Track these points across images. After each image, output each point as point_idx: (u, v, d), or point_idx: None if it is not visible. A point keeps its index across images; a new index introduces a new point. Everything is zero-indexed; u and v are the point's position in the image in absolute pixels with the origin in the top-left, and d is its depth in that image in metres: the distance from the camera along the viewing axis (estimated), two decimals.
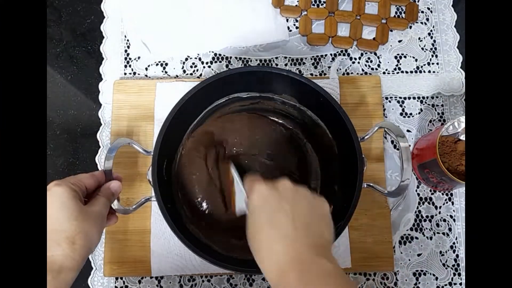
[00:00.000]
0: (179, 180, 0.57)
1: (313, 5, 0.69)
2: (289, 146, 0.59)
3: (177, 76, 0.66)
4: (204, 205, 0.57)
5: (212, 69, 0.67)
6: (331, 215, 0.41)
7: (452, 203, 0.62)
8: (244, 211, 0.44)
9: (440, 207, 0.62)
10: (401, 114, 0.65)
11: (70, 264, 0.40)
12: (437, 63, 0.66)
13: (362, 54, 0.67)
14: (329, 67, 0.66)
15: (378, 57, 0.67)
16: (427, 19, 0.68)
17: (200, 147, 0.58)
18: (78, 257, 0.41)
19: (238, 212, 0.48)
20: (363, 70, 0.66)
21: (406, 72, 0.66)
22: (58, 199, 0.41)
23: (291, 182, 0.42)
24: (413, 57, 0.67)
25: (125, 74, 0.66)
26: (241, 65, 0.67)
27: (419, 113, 0.65)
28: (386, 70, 0.66)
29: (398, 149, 0.63)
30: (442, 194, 0.62)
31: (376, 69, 0.66)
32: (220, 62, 0.67)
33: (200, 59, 0.67)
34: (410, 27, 0.68)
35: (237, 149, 0.59)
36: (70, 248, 0.40)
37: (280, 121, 0.60)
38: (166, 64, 0.67)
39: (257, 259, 0.39)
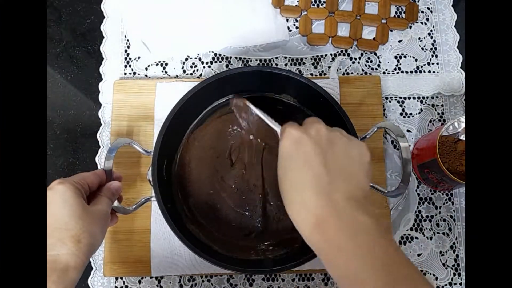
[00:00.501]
0: (179, 179, 0.57)
1: (313, 5, 0.69)
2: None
3: (177, 76, 0.66)
4: (205, 204, 0.57)
5: (212, 69, 0.67)
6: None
7: (452, 203, 0.62)
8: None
9: (440, 207, 0.62)
10: (401, 114, 0.65)
11: (76, 263, 0.40)
12: (437, 63, 0.66)
13: (362, 54, 0.67)
14: (329, 67, 0.66)
15: (378, 57, 0.67)
16: (427, 19, 0.68)
17: (203, 145, 0.58)
18: (83, 256, 0.40)
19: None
20: (363, 70, 0.66)
21: (406, 72, 0.66)
22: (61, 198, 0.41)
23: (325, 126, 0.39)
24: (413, 57, 0.67)
25: (125, 74, 0.66)
26: (241, 65, 0.67)
27: (419, 113, 0.65)
28: (386, 70, 0.66)
29: (398, 149, 0.63)
30: (442, 194, 0.62)
31: (376, 69, 0.66)
32: (220, 62, 0.67)
33: (200, 59, 0.67)
34: (410, 27, 0.68)
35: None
36: (75, 247, 0.40)
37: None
38: (166, 64, 0.67)
39: (289, 211, 0.37)
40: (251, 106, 0.50)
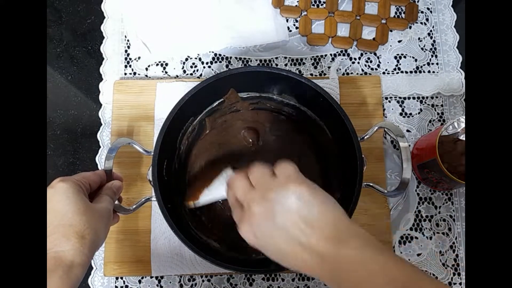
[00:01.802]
0: (180, 179, 0.57)
1: (313, 5, 0.69)
2: (289, 146, 0.59)
3: (177, 76, 0.66)
4: (205, 204, 0.58)
5: (212, 69, 0.67)
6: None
7: (452, 203, 0.62)
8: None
9: (440, 207, 0.62)
10: (401, 114, 0.65)
11: (81, 259, 0.40)
12: (437, 63, 0.66)
13: (362, 54, 0.67)
14: (329, 67, 0.66)
15: (378, 57, 0.67)
16: (427, 19, 0.68)
17: (203, 145, 0.59)
18: (87, 252, 0.40)
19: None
20: (363, 70, 0.66)
21: (406, 72, 0.66)
22: (64, 195, 0.41)
23: (275, 189, 0.38)
24: (413, 57, 0.67)
25: (125, 74, 0.66)
26: (241, 65, 0.67)
27: (419, 113, 0.65)
28: (386, 70, 0.66)
29: (398, 149, 0.63)
30: (442, 194, 0.62)
31: (376, 69, 0.66)
32: (220, 62, 0.67)
33: (200, 59, 0.67)
34: (410, 27, 0.68)
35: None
36: (80, 243, 0.40)
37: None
38: (166, 64, 0.67)
39: (282, 260, 0.38)
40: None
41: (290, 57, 0.67)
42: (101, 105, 0.65)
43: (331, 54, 0.67)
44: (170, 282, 0.59)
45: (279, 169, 0.40)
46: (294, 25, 0.68)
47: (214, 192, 0.49)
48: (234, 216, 0.42)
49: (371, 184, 0.52)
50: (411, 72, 0.66)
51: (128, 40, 0.67)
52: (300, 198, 0.37)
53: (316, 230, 0.36)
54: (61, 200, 0.41)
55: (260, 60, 0.67)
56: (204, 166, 0.59)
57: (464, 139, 0.56)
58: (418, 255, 0.60)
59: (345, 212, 0.38)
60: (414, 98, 0.65)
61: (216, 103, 0.58)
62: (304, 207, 0.37)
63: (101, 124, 0.64)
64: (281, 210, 0.37)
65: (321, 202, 0.38)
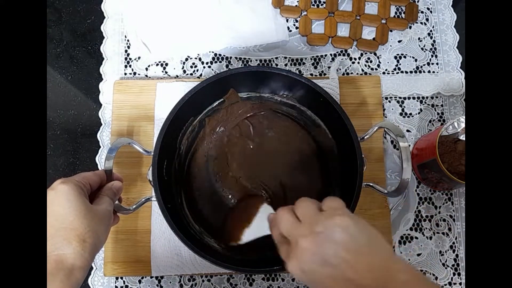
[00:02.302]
0: (180, 179, 0.57)
1: (313, 5, 0.69)
2: (289, 146, 0.59)
3: (177, 76, 0.66)
4: (205, 204, 0.58)
5: (212, 69, 0.67)
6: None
7: (452, 203, 0.62)
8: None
9: (439, 207, 0.62)
10: (401, 114, 0.65)
11: (81, 262, 0.40)
12: (437, 63, 0.66)
13: (362, 54, 0.67)
14: (329, 67, 0.66)
15: (378, 57, 0.67)
16: (427, 19, 0.68)
17: (203, 145, 0.59)
18: (88, 255, 0.40)
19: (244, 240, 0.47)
20: (363, 70, 0.66)
21: (406, 72, 0.66)
22: (65, 197, 0.41)
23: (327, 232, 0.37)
24: (413, 57, 0.67)
25: (125, 74, 0.66)
26: (241, 65, 0.67)
27: (419, 113, 0.65)
28: (386, 70, 0.66)
29: (398, 149, 0.63)
30: (442, 194, 0.62)
31: (376, 69, 0.66)
32: (220, 62, 0.67)
33: (200, 59, 0.67)
34: (410, 27, 0.68)
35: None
36: (81, 246, 0.40)
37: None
38: (166, 64, 0.67)
39: None
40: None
41: (290, 57, 0.67)
42: (101, 105, 0.65)
43: (331, 54, 0.67)
44: (170, 282, 0.59)
45: (327, 203, 0.39)
46: (294, 25, 0.68)
47: (256, 231, 0.48)
48: (280, 252, 0.41)
49: (371, 184, 0.52)
50: (411, 72, 0.66)
51: (128, 40, 0.67)
52: (346, 231, 0.36)
53: (362, 264, 0.35)
54: (62, 203, 0.41)
55: (260, 60, 0.67)
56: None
57: (464, 139, 0.56)
58: (418, 255, 0.60)
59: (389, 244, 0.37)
60: (414, 98, 0.65)
61: (216, 103, 0.58)
62: (350, 240, 0.36)
63: (101, 124, 0.64)
64: (328, 244, 0.36)
65: (368, 235, 0.37)
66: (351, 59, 0.67)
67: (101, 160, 0.63)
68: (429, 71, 0.66)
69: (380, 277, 0.34)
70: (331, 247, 0.36)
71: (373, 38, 0.67)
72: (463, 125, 0.55)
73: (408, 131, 0.64)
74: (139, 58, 0.67)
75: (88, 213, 0.42)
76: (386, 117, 0.65)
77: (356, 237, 0.36)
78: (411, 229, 0.61)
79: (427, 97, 0.65)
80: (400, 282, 0.34)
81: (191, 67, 0.67)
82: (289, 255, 0.38)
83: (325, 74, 0.66)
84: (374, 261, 0.35)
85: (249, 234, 0.49)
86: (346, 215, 0.37)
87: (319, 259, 0.36)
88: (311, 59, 0.67)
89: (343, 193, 0.52)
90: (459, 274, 0.60)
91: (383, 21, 0.68)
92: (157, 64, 0.67)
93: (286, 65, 0.67)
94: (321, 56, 0.67)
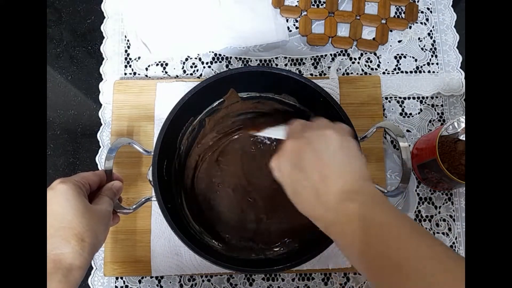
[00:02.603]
0: (179, 179, 0.57)
1: (313, 5, 0.69)
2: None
3: (177, 76, 0.66)
4: (205, 204, 0.58)
5: (212, 69, 0.67)
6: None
7: (452, 203, 0.62)
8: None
9: (439, 207, 0.62)
10: (401, 114, 0.65)
11: (80, 262, 0.40)
12: (437, 63, 0.66)
13: (362, 54, 0.67)
14: (329, 67, 0.66)
15: (378, 57, 0.67)
16: (427, 19, 0.68)
17: (203, 145, 0.59)
18: (87, 255, 0.40)
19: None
20: (363, 70, 0.66)
21: (406, 72, 0.66)
22: (64, 197, 0.41)
23: (326, 122, 0.42)
24: (413, 57, 0.67)
25: (125, 74, 0.66)
26: (241, 65, 0.67)
27: (419, 113, 0.65)
28: (386, 70, 0.66)
29: (398, 149, 0.63)
30: (442, 194, 0.62)
31: (376, 69, 0.66)
32: (220, 62, 0.67)
33: (200, 59, 0.67)
34: (410, 27, 0.68)
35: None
36: (79, 246, 0.40)
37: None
38: (166, 64, 0.67)
39: (301, 211, 0.40)
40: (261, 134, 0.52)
41: (290, 57, 0.67)
42: (101, 105, 0.65)
43: (331, 54, 0.67)
44: (170, 282, 0.59)
45: (319, 120, 0.43)
46: (294, 25, 0.68)
47: (274, 131, 0.50)
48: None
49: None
50: (411, 72, 0.66)
51: (128, 40, 0.67)
52: (329, 143, 0.39)
53: (331, 180, 0.38)
54: (61, 202, 0.41)
55: (260, 60, 0.67)
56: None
57: (464, 139, 0.56)
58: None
59: (366, 168, 0.40)
60: (414, 98, 0.65)
61: (216, 103, 0.58)
62: (328, 152, 0.39)
63: (101, 124, 0.64)
64: (307, 149, 0.39)
65: (346, 154, 0.39)
66: (351, 59, 0.67)
67: (101, 160, 0.63)
68: (429, 71, 0.66)
69: (342, 197, 0.37)
70: (308, 152, 0.39)
71: (373, 38, 0.67)
72: (463, 125, 0.55)
73: (408, 131, 0.64)
74: (139, 58, 0.67)
75: (87, 213, 0.42)
76: (386, 117, 0.65)
77: (335, 152, 0.39)
78: None
79: (427, 97, 0.65)
80: (355, 202, 0.37)
81: (191, 67, 0.67)
82: (276, 153, 0.42)
83: (325, 74, 0.66)
84: (342, 180, 0.38)
85: (268, 130, 0.51)
86: (336, 131, 0.40)
87: (294, 160, 0.40)
88: (311, 59, 0.67)
89: None
90: None
91: (383, 21, 0.68)
92: (157, 64, 0.67)
93: (286, 65, 0.67)
94: (321, 56, 0.67)
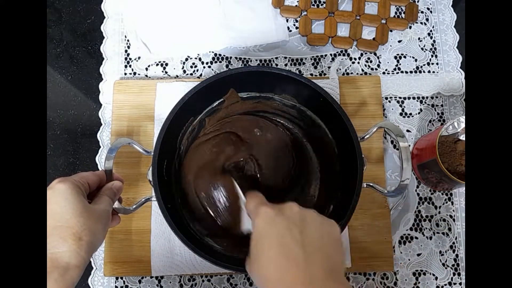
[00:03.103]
0: (180, 179, 0.57)
1: (313, 5, 0.69)
2: (288, 146, 0.59)
3: (177, 76, 0.66)
4: (205, 204, 0.58)
5: (212, 69, 0.67)
6: (340, 235, 0.40)
7: (452, 203, 0.62)
8: (250, 231, 0.43)
9: (439, 207, 0.62)
10: (401, 114, 0.65)
11: (77, 261, 0.39)
12: (437, 63, 0.66)
13: (362, 54, 0.67)
14: (329, 67, 0.66)
15: (378, 57, 0.67)
16: (427, 19, 0.68)
17: (203, 145, 0.58)
18: (84, 254, 0.40)
19: (246, 231, 0.48)
20: (363, 70, 0.66)
21: (406, 72, 0.66)
22: (62, 196, 0.41)
23: (298, 205, 0.41)
24: (413, 57, 0.67)
25: (125, 74, 0.66)
26: (241, 65, 0.67)
27: (419, 113, 0.65)
28: (386, 70, 0.66)
29: (398, 149, 0.63)
30: (442, 194, 0.62)
31: (376, 69, 0.66)
32: (220, 62, 0.67)
33: (200, 59, 0.67)
34: (410, 27, 0.68)
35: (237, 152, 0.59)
36: (76, 244, 0.40)
37: (280, 122, 0.60)
38: (166, 64, 0.67)
39: (262, 283, 0.38)
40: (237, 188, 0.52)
41: (290, 57, 0.67)
42: (101, 105, 0.65)
43: (331, 54, 0.67)
44: (170, 282, 0.59)
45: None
46: (294, 25, 0.68)
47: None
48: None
49: (371, 184, 0.52)
50: (411, 72, 0.66)
51: (128, 40, 0.67)
52: (310, 221, 0.39)
53: (317, 258, 0.37)
54: (59, 202, 0.41)
55: (260, 60, 0.67)
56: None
57: (464, 139, 0.56)
58: (418, 255, 0.60)
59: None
60: (414, 98, 0.65)
61: (216, 103, 0.58)
62: (309, 229, 0.38)
63: (101, 124, 0.64)
64: (288, 218, 0.39)
65: (329, 242, 0.39)
66: (351, 59, 0.67)
67: (101, 160, 0.63)
68: (429, 71, 0.66)
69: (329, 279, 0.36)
70: (290, 221, 0.38)
71: (373, 38, 0.67)
72: (463, 125, 0.55)
73: (408, 131, 0.64)
74: (139, 58, 0.67)
75: (85, 212, 0.42)
76: (386, 117, 0.65)
77: (312, 233, 0.38)
78: (411, 229, 0.61)
79: (427, 97, 0.65)
80: None
81: (191, 67, 0.67)
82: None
83: (325, 74, 0.66)
84: (325, 263, 0.37)
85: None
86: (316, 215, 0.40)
87: (272, 218, 0.39)
88: (311, 59, 0.67)
89: (343, 193, 0.52)
90: (459, 274, 0.60)
91: (383, 21, 0.68)
92: (157, 64, 0.67)
93: (286, 65, 0.67)
94: (321, 56, 0.67)
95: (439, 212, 0.61)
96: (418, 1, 0.69)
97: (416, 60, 0.67)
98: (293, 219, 0.39)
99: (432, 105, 0.65)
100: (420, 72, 0.66)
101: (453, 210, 0.62)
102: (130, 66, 0.67)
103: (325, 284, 0.35)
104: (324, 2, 0.69)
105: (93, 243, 0.42)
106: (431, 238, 0.61)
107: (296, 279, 0.35)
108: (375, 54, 0.67)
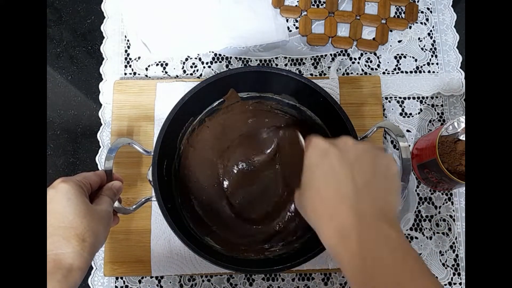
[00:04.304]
0: (180, 179, 0.57)
1: (313, 5, 0.69)
2: (288, 146, 0.59)
3: (177, 76, 0.66)
4: (205, 204, 0.58)
5: (212, 69, 0.67)
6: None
7: (452, 203, 0.62)
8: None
9: (439, 207, 0.62)
10: (401, 114, 0.65)
11: (80, 262, 0.39)
12: (437, 63, 0.66)
13: (362, 54, 0.67)
14: (329, 67, 0.66)
15: (378, 57, 0.67)
16: (427, 19, 0.68)
17: (203, 145, 0.58)
18: (87, 255, 0.40)
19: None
20: (363, 70, 0.66)
21: (406, 72, 0.66)
22: (65, 196, 0.41)
23: (352, 138, 0.39)
24: (413, 57, 0.67)
25: (125, 74, 0.66)
26: (241, 65, 0.67)
27: (419, 113, 0.65)
28: (386, 70, 0.66)
29: (398, 149, 0.63)
30: (442, 194, 0.62)
31: (376, 69, 0.66)
32: (220, 62, 0.67)
33: (200, 59, 0.67)
34: (410, 27, 0.68)
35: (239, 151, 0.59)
36: (80, 246, 0.39)
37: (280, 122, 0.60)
38: (166, 64, 0.67)
39: (312, 221, 0.37)
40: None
41: (290, 57, 0.67)
42: (101, 105, 0.65)
43: (331, 54, 0.67)
44: (170, 282, 0.59)
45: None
46: (294, 25, 0.68)
47: None
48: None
49: None
50: (411, 72, 0.66)
51: (128, 40, 0.67)
52: (367, 155, 0.38)
53: (368, 194, 0.35)
54: (62, 202, 0.41)
55: (260, 60, 0.67)
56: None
57: (464, 139, 0.56)
58: (418, 255, 0.60)
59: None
60: (414, 98, 0.65)
61: (216, 103, 0.58)
62: (363, 163, 0.37)
63: (101, 124, 0.64)
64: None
65: (385, 176, 0.37)
66: (351, 59, 0.67)
67: (101, 160, 0.63)
68: (429, 71, 0.66)
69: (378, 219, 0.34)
70: (343, 153, 0.37)
71: (373, 38, 0.67)
72: (463, 125, 0.55)
73: (408, 131, 0.64)
74: (139, 58, 0.67)
75: (88, 213, 0.41)
76: (386, 117, 0.65)
77: (365, 168, 0.37)
78: (411, 229, 0.61)
79: (427, 97, 0.65)
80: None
81: (191, 67, 0.67)
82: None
83: (325, 74, 0.66)
84: (378, 205, 0.35)
85: None
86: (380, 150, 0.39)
87: (325, 149, 0.38)
88: (311, 59, 0.67)
89: None
90: (459, 274, 0.60)
91: (383, 21, 0.68)
92: (157, 64, 0.67)
93: (286, 65, 0.67)
94: (321, 56, 0.67)
95: (439, 212, 0.61)
96: (418, 1, 0.69)
97: (416, 60, 0.67)
98: (346, 151, 0.38)
99: (432, 105, 0.65)
100: (420, 72, 0.66)
101: (453, 210, 0.62)
102: (130, 66, 0.67)
103: (375, 225, 0.34)
104: (324, 2, 0.69)
105: (95, 245, 0.42)
106: (431, 238, 0.61)
107: (346, 218, 0.35)
108: (375, 54, 0.67)
